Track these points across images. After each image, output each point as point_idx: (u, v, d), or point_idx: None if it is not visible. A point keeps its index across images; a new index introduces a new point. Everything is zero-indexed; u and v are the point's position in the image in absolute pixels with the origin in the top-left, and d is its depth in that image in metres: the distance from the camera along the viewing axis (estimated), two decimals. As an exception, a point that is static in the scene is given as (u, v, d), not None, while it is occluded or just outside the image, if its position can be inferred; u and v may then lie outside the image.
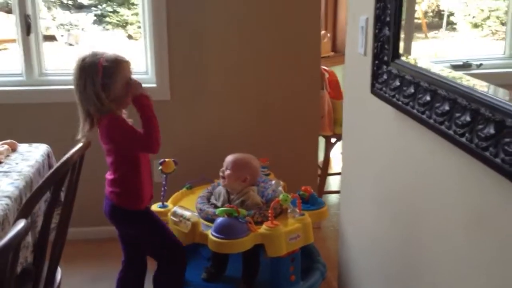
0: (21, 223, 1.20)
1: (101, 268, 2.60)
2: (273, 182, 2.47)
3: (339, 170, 4.15)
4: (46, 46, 3.31)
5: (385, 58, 1.55)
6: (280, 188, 2.43)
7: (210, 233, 2.26)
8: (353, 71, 2.05)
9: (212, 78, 3.11)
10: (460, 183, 1.25)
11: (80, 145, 1.74)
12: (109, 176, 2.15)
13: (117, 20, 7.71)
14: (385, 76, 1.56)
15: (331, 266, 2.75)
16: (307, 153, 3.25)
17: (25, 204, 1.52)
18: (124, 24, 7.66)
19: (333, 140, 3.57)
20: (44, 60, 3.08)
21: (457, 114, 1.16)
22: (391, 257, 1.73)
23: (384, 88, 1.56)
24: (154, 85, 3.07)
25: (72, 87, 2.05)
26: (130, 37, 7.37)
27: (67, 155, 1.64)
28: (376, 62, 1.60)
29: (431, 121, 1.28)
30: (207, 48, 3.08)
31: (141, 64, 3.13)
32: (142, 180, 2.18)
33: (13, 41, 3.14)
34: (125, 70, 2.08)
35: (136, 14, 4.28)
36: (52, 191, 1.66)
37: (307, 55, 3.12)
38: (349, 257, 2.22)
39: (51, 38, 6.62)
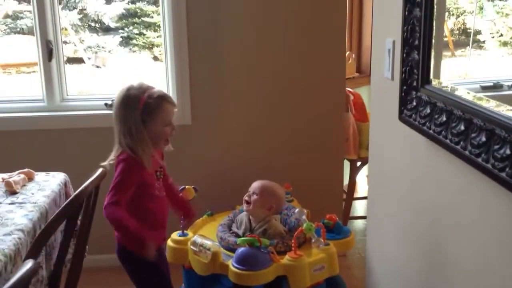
0: (28, 264, 1.13)
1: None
2: (297, 210, 2.37)
3: (364, 194, 4.05)
4: (73, 68, 3.31)
5: (414, 84, 1.46)
6: (304, 217, 2.33)
7: (231, 264, 2.18)
8: (380, 96, 1.96)
9: (234, 101, 3.04)
10: (497, 220, 1.15)
11: (95, 175, 1.68)
12: None
13: (143, 42, 7.80)
14: (414, 103, 1.47)
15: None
16: (332, 178, 3.15)
17: (37, 239, 1.46)
18: (150, 46, 7.75)
19: (358, 163, 3.47)
20: (66, 85, 3.06)
21: (496, 146, 1.07)
22: (415, 285, 1.62)
23: (413, 115, 1.47)
24: (175, 109, 3.00)
25: (93, 112, 2.01)
26: (155, 58, 7.43)
27: (82, 187, 1.59)
28: (405, 87, 1.51)
29: (466, 152, 1.18)
30: (229, 71, 3.02)
31: (163, 88, 3.08)
32: (147, 223, 2.06)
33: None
34: (167, 112, 2.05)
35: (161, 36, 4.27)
36: (66, 224, 1.60)
37: (332, 77, 3.04)
38: (376, 286, 2.10)
39: (78, 60, 6.70)
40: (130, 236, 1.95)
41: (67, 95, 3.06)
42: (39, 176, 2.14)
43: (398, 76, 1.61)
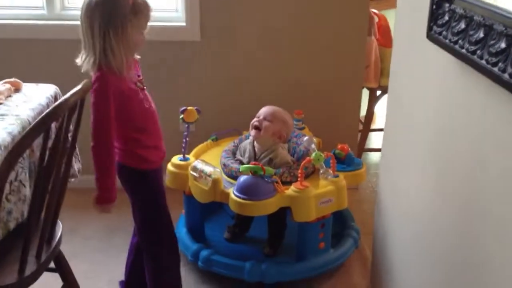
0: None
1: (118, 218, 2.40)
2: (306, 138, 2.19)
3: (382, 126, 3.83)
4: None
5: (449, -6, 1.22)
6: (313, 146, 2.16)
7: (232, 192, 2.04)
8: (406, 12, 1.71)
9: (246, 18, 2.80)
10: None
11: (78, 87, 1.50)
12: None
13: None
14: (446, 17, 1.24)
15: (366, 231, 2.50)
16: (348, 106, 2.94)
17: (8, 153, 1.30)
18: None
19: (378, 92, 3.24)
20: (66, -6, 2.84)
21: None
22: (435, 233, 1.45)
23: (444, 32, 1.24)
24: (183, 24, 2.80)
25: None
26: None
27: (62, 99, 1.42)
28: (437, -1, 1.28)
29: (506, 75, 0.97)
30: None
31: (170, 0, 2.85)
32: (143, 141, 1.86)
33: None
34: (149, 16, 1.77)
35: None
36: (44, 137, 1.44)
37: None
38: (386, 225, 1.95)
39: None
40: (99, 183, 1.76)
41: (68, 3, 2.84)
42: (27, 87, 1.98)
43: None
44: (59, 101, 1.41)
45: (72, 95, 1.46)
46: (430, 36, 1.33)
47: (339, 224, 2.40)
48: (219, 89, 2.91)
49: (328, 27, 2.79)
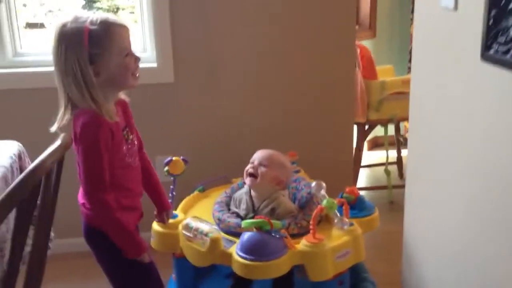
0: None
1: (91, 285, 2.06)
2: (313, 184, 1.94)
3: (369, 162, 3.66)
4: (34, 33, 2.81)
5: (515, 5, 1.01)
6: (323, 192, 1.90)
7: (236, 253, 1.75)
8: (433, 35, 1.51)
9: (224, 55, 2.57)
10: None
11: (56, 145, 1.20)
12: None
13: (108, 6, 7.24)
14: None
15: (381, 281, 2.24)
16: (340, 144, 2.73)
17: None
18: (115, 10, 7.19)
19: (366, 127, 3.05)
20: (20, 38, 2.53)
21: None
22: (486, 275, 1.23)
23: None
24: (155, 65, 2.54)
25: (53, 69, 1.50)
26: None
27: (37, 161, 1.11)
28: (494, 13, 1.07)
29: None
30: (218, 20, 2.53)
31: (138, 40, 2.58)
32: (119, 201, 1.58)
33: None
34: (121, 37, 1.51)
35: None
36: (17, 210, 1.13)
37: (340, 27, 2.58)
38: (420, 276, 1.70)
39: (39, 26, 6.11)
40: (127, 242, 1.56)
41: (21, 48, 2.53)
42: (-16, 147, 1.65)
43: (467, 3, 1.17)
44: (33, 164, 1.11)
45: (49, 155, 1.16)
46: (488, 56, 1.12)
47: (351, 277, 2.13)
48: (200, 135, 2.64)
49: (315, 61, 2.60)
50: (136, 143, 1.68)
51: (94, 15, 1.48)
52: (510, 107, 1.14)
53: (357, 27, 3.73)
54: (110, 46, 1.47)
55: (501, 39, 1.08)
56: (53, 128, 1.46)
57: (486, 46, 1.13)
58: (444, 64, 1.44)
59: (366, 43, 3.30)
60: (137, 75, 1.58)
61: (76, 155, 1.46)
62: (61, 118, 1.46)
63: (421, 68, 1.61)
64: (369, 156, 3.86)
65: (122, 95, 1.65)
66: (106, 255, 1.63)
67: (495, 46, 1.10)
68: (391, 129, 3.26)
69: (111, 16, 1.51)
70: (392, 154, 3.40)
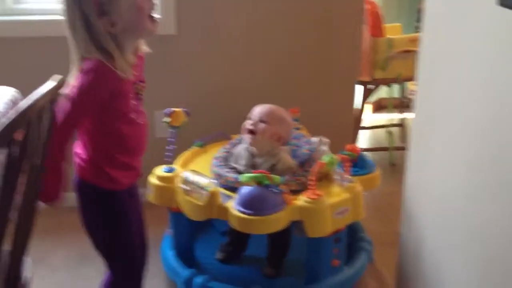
0: None
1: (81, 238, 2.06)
2: (315, 139, 1.90)
3: (371, 124, 3.61)
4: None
5: None
6: (325, 148, 1.86)
7: (233, 207, 1.72)
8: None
9: (228, 10, 2.49)
10: None
11: (52, 85, 1.16)
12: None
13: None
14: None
15: (377, 242, 2.23)
16: (342, 102, 2.67)
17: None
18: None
19: (370, 86, 2.99)
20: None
21: None
22: (487, 247, 1.20)
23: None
24: (157, 16, 2.45)
25: (53, 17, 1.44)
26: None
27: (30, 100, 1.07)
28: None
29: None
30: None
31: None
32: (118, 159, 1.53)
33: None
34: None
35: None
36: (7, 155, 1.09)
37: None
38: (419, 236, 1.67)
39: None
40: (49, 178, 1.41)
41: (22, -5, 2.47)
42: (-22, 92, 1.61)
43: None
44: (23, 102, 1.06)
45: (42, 96, 1.11)
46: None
47: (348, 236, 2.11)
48: (200, 89, 2.59)
49: (321, 15, 2.53)
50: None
51: None
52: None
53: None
54: None
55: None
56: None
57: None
58: (458, 15, 1.37)
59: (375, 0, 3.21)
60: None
61: None
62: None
63: (433, 22, 1.54)
64: (373, 118, 3.81)
65: (144, 46, 1.56)
66: (91, 208, 1.58)
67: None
68: (397, 90, 3.21)
69: None
70: (396, 116, 3.35)
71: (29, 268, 1.40)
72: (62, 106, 1.36)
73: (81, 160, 1.52)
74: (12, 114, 1.02)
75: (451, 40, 1.42)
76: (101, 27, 1.37)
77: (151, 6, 1.47)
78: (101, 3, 1.37)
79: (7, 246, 1.24)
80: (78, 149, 1.54)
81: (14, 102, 1.64)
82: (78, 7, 1.36)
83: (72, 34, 1.39)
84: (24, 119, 1.04)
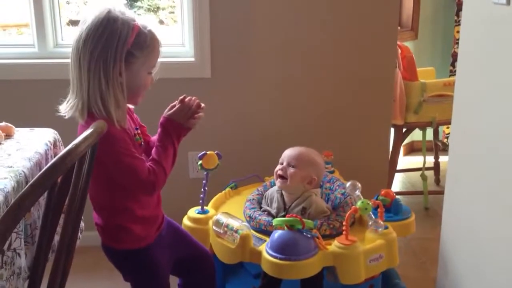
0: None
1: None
2: (348, 184, 1.89)
3: (404, 167, 3.57)
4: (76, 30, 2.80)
5: None
6: (358, 192, 1.85)
7: (265, 251, 1.72)
8: (481, 30, 1.45)
9: (263, 51, 2.53)
10: None
11: (91, 129, 1.19)
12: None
13: (148, 5, 7.33)
14: None
15: (412, 288, 2.19)
16: (377, 146, 2.66)
17: (3, 216, 0.97)
18: (156, 9, 7.27)
19: (403, 130, 2.97)
20: (61, 28, 2.56)
21: None
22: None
23: None
24: (192, 59, 2.53)
25: None
26: (161, 22, 6.96)
27: (71, 146, 1.10)
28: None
29: None
30: (256, 19, 2.50)
31: (177, 34, 2.58)
32: (136, 212, 1.53)
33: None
34: (157, 54, 1.48)
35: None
36: (47, 196, 1.13)
37: (381, 25, 2.51)
38: (455, 283, 1.63)
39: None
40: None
41: (62, 39, 2.56)
42: (20, 133, 1.66)
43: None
44: (66, 148, 1.09)
45: (83, 139, 1.15)
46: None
47: (382, 283, 2.07)
48: (234, 131, 2.62)
49: (354, 60, 2.54)
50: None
51: (142, 19, 1.44)
52: None
53: (399, 28, 3.66)
54: (147, 56, 1.43)
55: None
56: (61, 109, 1.46)
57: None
58: (494, 63, 1.37)
59: (408, 45, 3.22)
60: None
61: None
62: (66, 107, 1.44)
63: (468, 68, 1.54)
64: (405, 161, 3.78)
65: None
66: (121, 267, 1.61)
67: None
68: (429, 133, 3.18)
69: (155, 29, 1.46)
70: (430, 159, 3.31)
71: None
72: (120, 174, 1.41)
73: (101, 226, 1.54)
74: (57, 158, 1.05)
75: (485, 83, 1.42)
76: (116, 72, 1.39)
77: (152, 80, 1.53)
78: (129, 52, 1.39)
79: (44, 285, 1.26)
80: (96, 219, 1.56)
81: (53, 143, 1.69)
82: (115, 42, 1.37)
83: (78, 81, 1.41)
84: (65, 164, 1.07)
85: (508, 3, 1.25)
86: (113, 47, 1.37)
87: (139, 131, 1.57)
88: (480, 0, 1.43)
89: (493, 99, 1.39)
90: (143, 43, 1.41)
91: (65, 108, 1.45)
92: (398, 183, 3.51)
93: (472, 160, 1.52)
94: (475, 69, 1.49)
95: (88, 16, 1.40)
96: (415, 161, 3.69)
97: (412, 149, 3.92)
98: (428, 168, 3.27)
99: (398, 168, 3.38)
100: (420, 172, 3.11)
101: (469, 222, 1.56)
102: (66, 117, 1.45)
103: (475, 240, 1.52)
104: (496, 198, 1.39)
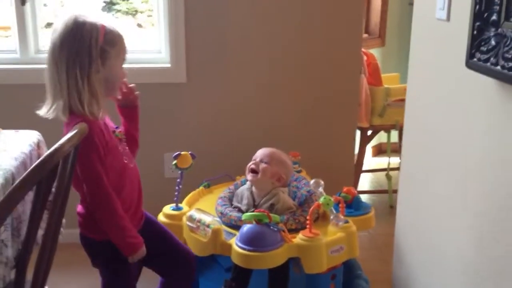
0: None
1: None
2: (312, 181, 2.04)
3: (370, 167, 3.75)
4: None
5: (494, 18, 1.12)
6: (321, 189, 2.00)
7: (235, 243, 1.85)
8: (428, 44, 1.61)
9: (235, 58, 2.67)
10: None
11: (75, 131, 1.32)
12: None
13: (127, 8, 7.37)
14: (493, 42, 1.13)
15: (373, 279, 2.33)
16: (342, 148, 2.82)
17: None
18: (134, 12, 7.32)
19: (369, 132, 3.14)
20: (42, 36, 2.66)
21: None
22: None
23: (492, 59, 1.13)
24: (168, 65, 2.66)
25: None
26: (139, 25, 7.01)
27: (56, 145, 1.23)
28: (477, 24, 1.17)
29: None
30: (230, 24, 2.64)
31: (154, 41, 2.71)
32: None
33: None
34: (125, 48, 1.63)
35: (147, 1, 3.86)
36: (35, 192, 1.25)
37: (347, 34, 2.67)
38: (409, 275, 1.79)
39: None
40: (122, 239, 1.61)
41: (43, 46, 2.67)
42: (6, 134, 1.78)
43: (458, 15, 1.27)
44: (53, 147, 1.22)
45: (67, 140, 1.27)
46: (471, 64, 1.22)
47: (345, 274, 2.22)
48: (208, 133, 2.75)
49: (322, 65, 2.70)
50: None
51: (103, 19, 1.57)
52: (491, 110, 1.24)
53: (367, 35, 3.84)
54: (118, 50, 1.58)
55: (483, 48, 1.18)
56: (42, 113, 1.58)
57: (470, 54, 1.22)
58: (435, 71, 1.54)
59: (376, 51, 3.39)
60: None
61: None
62: (47, 110, 1.57)
63: (416, 76, 1.71)
64: (373, 162, 3.95)
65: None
66: (98, 260, 1.74)
67: (477, 55, 1.20)
68: (394, 135, 3.35)
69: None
70: (395, 160, 3.48)
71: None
72: (85, 176, 1.53)
73: (82, 217, 1.67)
74: (44, 156, 1.18)
75: (431, 90, 1.58)
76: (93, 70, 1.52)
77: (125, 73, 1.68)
78: (102, 49, 1.53)
79: (29, 276, 1.38)
80: (79, 208, 1.69)
81: (37, 144, 1.80)
82: (87, 43, 1.50)
83: (57, 83, 1.54)
84: (52, 161, 1.20)
85: (448, 19, 1.41)
86: (87, 47, 1.51)
87: (120, 130, 1.71)
88: (426, 15, 1.59)
89: (440, 104, 1.55)
90: (112, 39, 1.57)
91: (47, 111, 1.58)
92: (366, 182, 3.68)
93: (421, 160, 1.68)
94: (421, 75, 1.65)
95: (57, 25, 1.54)
96: (383, 161, 3.86)
97: (381, 151, 4.09)
98: (394, 169, 3.44)
99: (366, 168, 3.56)
100: (385, 172, 3.29)
101: (420, 217, 1.71)
102: (50, 118, 1.57)
103: (425, 233, 1.68)
104: (442, 194, 1.54)
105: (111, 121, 1.72)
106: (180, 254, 1.92)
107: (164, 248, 1.89)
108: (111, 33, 1.56)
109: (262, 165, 2.07)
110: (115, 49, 1.57)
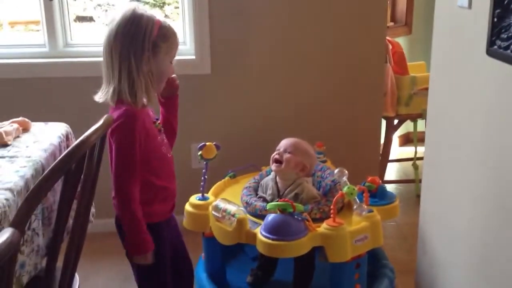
0: (5, 233, 0.82)
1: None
2: (336, 171, 2.05)
3: (397, 157, 3.72)
4: (83, 26, 2.97)
5: (516, 5, 1.10)
6: (345, 179, 2.00)
7: (260, 233, 1.88)
8: (449, 31, 1.60)
9: (260, 49, 2.69)
10: None
11: (100, 123, 1.35)
12: None
13: (155, 0, 7.45)
14: (515, 29, 1.12)
15: (399, 269, 2.33)
16: (368, 137, 2.81)
17: (25, 200, 1.14)
18: (161, 4, 7.39)
19: (395, 121, 3.12)
20: (70, 29, 2.72)
21: None
22: (495, 267, 1.31)
23: (513, 46, 1.12)
24: (193, 57, 2.69)
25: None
26: (167, 17, 7.09)
27: (83, 137, 1.27)
28: (498, 11, 1.16)
29: None
30: (254, 16, 2.66)
31: (179, 33, 2.73)
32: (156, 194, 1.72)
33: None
34: (177, 46, 1.70)
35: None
36: (63, 182, 1.29)
37: (371, 22, 2.66)
38: (432, 264, 1.79)
39: (88, 19, 6.36)
40: (135, 240, 1.64)
41: (71, 39, 2.72)
42: (36, 127, 1.83)
43: (479, 2, 1.26)
44: (80, 139, 1.26)
45: (93, 131, 1.31)
46: (492, 51, 1.21)
47: (371, 263, 2.22)
48: (233, 124, 2.78)
49: (346, 55, 2.69)
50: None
51: (159, 16, 1.64)
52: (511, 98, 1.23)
53: (393, 23, 3.80)
54: (169, 46, 1.64)
55: (504, 35, 1.17)
56: (99, 99, 1.63)
57: (490, 42, 1.21)
58: (457, 59, 1.53)
59: (402, 40, 3.36)
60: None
61: (109, 147, 1.58)
62: (100, 94, 1.62)
63: (438, 64, 1.70)
64: (400, 152, 3.93)
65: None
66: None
67: (498, 42, 1.19)
68: (421, 125, 3.32)
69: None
70: (422, 149, 3.46)
71: (78, 284, 1.57)
72: (116, 161, 1.57)
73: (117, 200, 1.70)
74: (72, 147, 1.22)
75: (454, 77, 1.57)
76: (145, 61, 1.57)
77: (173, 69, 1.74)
78: (154, 43, 1.59)
79: (59, 263, 1.43)
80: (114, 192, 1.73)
81: (66, 136, 1.86)
82: (142, 34, 1.56)
83: (110, 69, 1.60)
84: (79, 152, 1.24)
85: (469, 6, 1.40)
86: (141, 38, 1.57)
87: (159, 121, 1.77)
88: (447, 3, 1.58)
89: (462, 92, 1.54)
90: (165, 35, 1.62)
91: (100, 96, 1.64)
92: (392, 172, 3.66)
93: (444, 148, 1.67)
94: (444, 63, 1.64)
95: (116, 15, 1.61)
96: (410, 151, 3.84)
97: (408, 140, 4.06)
98: (420, 158, 3.42)
99: (393, 158, 3.54)
100: (412, 162, 3.26)
101: (443, 206, 1.71)
102: (100, 102, 1.63)
103: (448, 222, 1.67)
104: (466, 183, 1.54)
105: (153, 112, 1.77)
106: (187, 261, 1.97)
107: (177, 247, 1.94)
108: (165, 29, 1.62)
109: (286, 155, 2.08)
110: (166, 44, 1.63)
